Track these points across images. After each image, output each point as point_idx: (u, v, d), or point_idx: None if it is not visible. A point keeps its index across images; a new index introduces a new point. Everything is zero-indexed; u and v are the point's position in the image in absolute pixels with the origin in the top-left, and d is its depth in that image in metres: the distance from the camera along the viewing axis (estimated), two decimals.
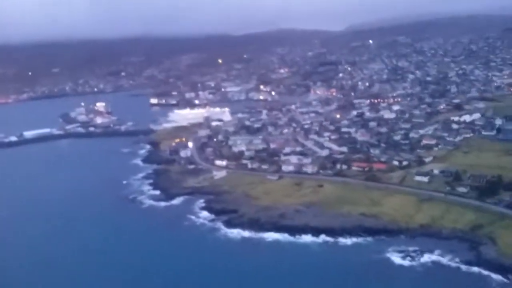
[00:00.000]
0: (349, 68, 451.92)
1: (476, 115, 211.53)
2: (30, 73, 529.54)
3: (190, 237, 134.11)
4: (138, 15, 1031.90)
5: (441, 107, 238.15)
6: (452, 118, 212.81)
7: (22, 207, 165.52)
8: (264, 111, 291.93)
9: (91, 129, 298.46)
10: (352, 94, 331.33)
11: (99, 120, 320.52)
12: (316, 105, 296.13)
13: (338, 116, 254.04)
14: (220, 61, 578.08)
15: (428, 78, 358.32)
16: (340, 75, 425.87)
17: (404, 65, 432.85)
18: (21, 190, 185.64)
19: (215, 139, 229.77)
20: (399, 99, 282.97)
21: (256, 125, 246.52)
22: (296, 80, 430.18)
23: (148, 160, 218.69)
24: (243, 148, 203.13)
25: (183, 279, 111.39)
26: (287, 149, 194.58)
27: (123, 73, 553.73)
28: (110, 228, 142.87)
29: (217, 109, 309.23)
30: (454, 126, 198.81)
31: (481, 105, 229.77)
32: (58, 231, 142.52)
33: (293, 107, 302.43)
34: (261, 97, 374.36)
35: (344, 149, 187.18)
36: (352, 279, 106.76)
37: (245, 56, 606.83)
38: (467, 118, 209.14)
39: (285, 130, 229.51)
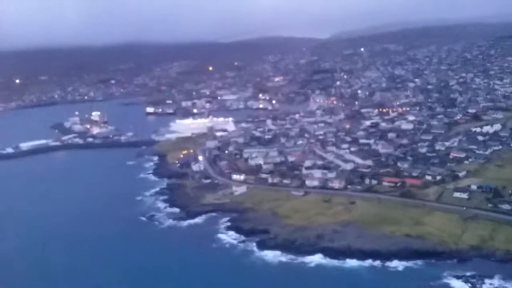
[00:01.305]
0: (345, 76, 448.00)
1: (497, 126, 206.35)
2: (17, 81, 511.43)
3: (223, 262, 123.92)
4: (126, 22, 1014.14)
5: (458, 117, 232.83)
6: (473, 129, 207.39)
7: (32, 232, 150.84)
8: (269, 121, 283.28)
9: (90, 139, 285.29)
10: (356, 102, 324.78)
11: (95, 130, 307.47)
12: (322, 115, 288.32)
13: (348, 126, 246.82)
14: (211, 68, 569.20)
15: (429, 87, 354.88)
16: (338, 83, 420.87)
17: (401, 73, 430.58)
18: (27, 209, 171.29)
19: (226, 151, 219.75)
20: (408, 109, 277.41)
21: (267, 136, 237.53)
22: (294, 88, 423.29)
23: (157, 173, 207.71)
24: (261, 161, 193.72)
25: None
26: (307, 162, 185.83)
27: (113, 81, 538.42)
28: (133, 253, 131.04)
29: (221, 119, 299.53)
30: (480, 138, 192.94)
31: (499, 115, 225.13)
32: (75, 255, 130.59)
33: (297, 116, 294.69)
34: (261, 106, 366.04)
35: (369, 162, 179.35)
36: None
37: (236, 63, 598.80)
38: (488, 129, 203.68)
39: (300, 142, 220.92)
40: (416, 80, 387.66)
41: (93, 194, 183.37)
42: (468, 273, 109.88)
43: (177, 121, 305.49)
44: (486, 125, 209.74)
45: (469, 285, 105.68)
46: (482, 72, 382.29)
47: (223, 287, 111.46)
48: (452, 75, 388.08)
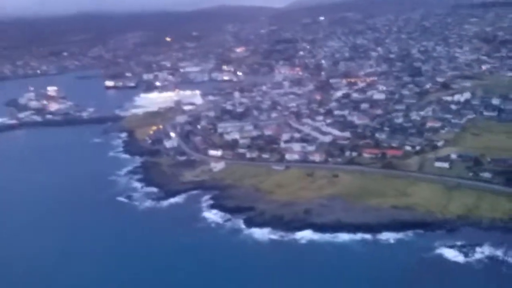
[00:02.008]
0: (307, 46, 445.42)
1: (467, 95, 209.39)
2: None
3: (213, 242, 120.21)
4: None
5: (428, 86, 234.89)
6: (444, 98, 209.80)
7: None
8: (236, 93, 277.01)
9: (49, 116, 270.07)
10: (322, 73, 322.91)
11: (54, 106, 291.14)
12: (290, 86, 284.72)
13: (319, 97, 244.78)
14: (168, 39, 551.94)
15: (392, 56, 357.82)
16: (301, 53, 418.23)
17: (363, 43, 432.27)
18: None
19: (198, 126, 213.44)
20: (375, 78, 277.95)
21: (239, 110, 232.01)
22: (257, 59, 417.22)
23: (128, 151, 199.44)
24: (236, 136, 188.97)
25: None
26: (285, 136, 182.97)
27: (65, 53, 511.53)
28: (118, 236, 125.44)
29: (187, 92, 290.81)
30: (453, 107, 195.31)
31: (467, 84, 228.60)
32: (61, 244, 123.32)
33: (264, 88, 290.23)
34: (226, 78, 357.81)
35: (347, 134, 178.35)
36: (414, 282, 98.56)
37: (194, 33, 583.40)
38: (459, 98, 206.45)
39: (273, 115, 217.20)
40: (378, 49, 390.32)
41: (62, 175, 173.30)
42: (458, 243, 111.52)
43: (142, 95, 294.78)
44: (456, 93, 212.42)
45: (462, 254, 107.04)
46: (442, 41, 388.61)
47: (218, 268, 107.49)
48: (413, 44, 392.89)
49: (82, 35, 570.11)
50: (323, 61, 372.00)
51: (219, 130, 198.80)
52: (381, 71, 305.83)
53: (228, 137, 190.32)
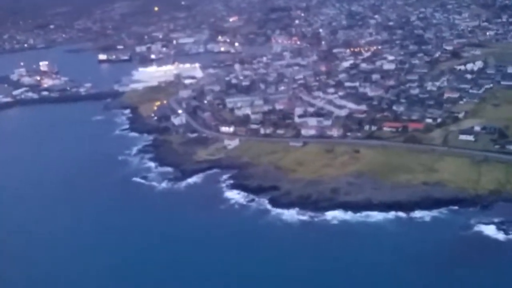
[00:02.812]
0: (302, 14, 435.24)
1: (479, 63, 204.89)
2: None
3: (240, 225, 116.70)
4: None
5: (437, 55, 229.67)
6: (456, 67, 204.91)
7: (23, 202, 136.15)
8: (237, 65, 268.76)
9: (45, 93, 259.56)
10: (323, 42, 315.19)
11: (48, 82, 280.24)
12: (292, 57, 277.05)
13: (325, 68, 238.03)
14: (157, 9, 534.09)
15: (391, 23, 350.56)
16: (297, 21, 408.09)
17: (359, 10, 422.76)
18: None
19: (205, 101, 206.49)
20: (380, 47, 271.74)
21: (245, 83, 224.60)
22: (252, 29, 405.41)
23: (134, 129, 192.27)
24: (248, 111, 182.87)
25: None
26: (298, 110, 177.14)
27: (52, 26, 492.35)
28: (137, 222, 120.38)
29: (187, 65, 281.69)
30: (468, 76, 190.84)
31: (477, 52, 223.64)
32: (76, 231, 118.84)
33: (264, 59, 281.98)
34: (222, 49, 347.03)
35: (364, 107, 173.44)
36: (458, 261, 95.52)
37: (183, 3, 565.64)
38: (472, 67, 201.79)
39: (281, 88, 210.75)
40: (376, 16, 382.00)
41: (70, 156, 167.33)
42: (495, 219, 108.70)
43: (140, 69, 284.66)
44: (468, 62, 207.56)
45: (502, 231, 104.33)
46: (440, 7, 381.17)
47: (252, 252, 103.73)
48: (411, 11, 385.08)
49: (67, 6, 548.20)
50: (320, 30, 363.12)
51: (229, 105, 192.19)
52: (382, 39, 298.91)
53: (239, 113, 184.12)
